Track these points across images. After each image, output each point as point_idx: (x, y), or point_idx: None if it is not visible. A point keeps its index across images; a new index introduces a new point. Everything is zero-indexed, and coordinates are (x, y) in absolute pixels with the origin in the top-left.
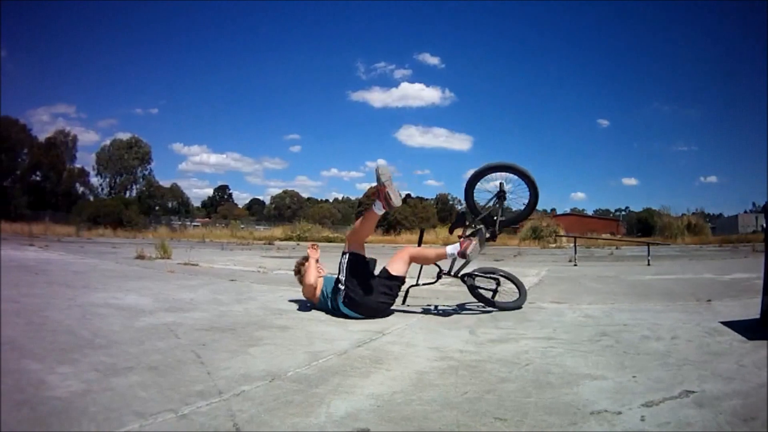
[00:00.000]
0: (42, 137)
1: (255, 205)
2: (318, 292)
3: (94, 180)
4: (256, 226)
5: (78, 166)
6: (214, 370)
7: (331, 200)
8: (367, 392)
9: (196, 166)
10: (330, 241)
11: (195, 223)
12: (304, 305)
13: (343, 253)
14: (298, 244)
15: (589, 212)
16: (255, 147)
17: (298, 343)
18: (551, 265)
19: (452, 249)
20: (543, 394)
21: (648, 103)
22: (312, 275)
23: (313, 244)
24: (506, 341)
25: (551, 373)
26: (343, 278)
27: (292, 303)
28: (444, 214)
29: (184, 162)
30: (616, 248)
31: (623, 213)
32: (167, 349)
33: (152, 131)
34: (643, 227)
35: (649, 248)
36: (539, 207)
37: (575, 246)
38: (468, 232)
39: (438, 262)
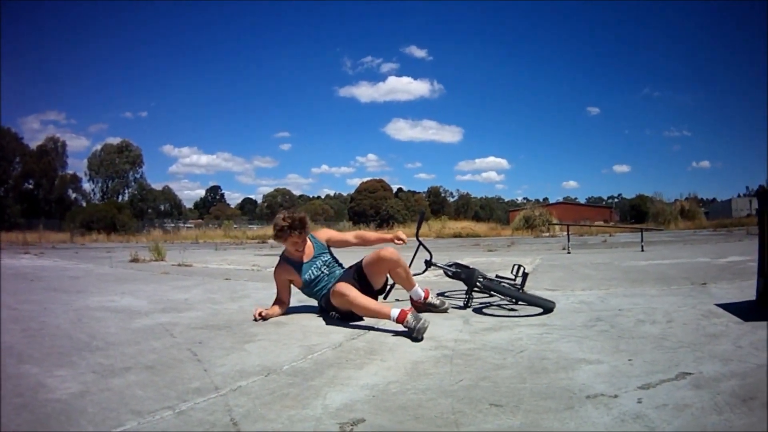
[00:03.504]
0: (33, 145)
1: (247, 205)
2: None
3: (87, 185)
4: (249, 225)
5: (70, 172)
6: (210, 366)
7: (323, 197)
8: (362, 383)
9: (187, 168)
10: None
11: (188, 225)
12: (299, 300)
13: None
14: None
15: (582, 200)
16: (245, 146)
17: (292, 337)
18: (545, 253)
19: (396, 310)
20: (538, 379)
21: (638, 90)
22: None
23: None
24: (500, 329)
25: (546, 358)
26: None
27: None
28: (436, 207)
29: (174, 164)
30: (610, 235)
31: (616, 200)
32: (163, 348)
33: (142, 134)
34: (636, 214)
35: (642, 234)
36: (532, 196)
37: (568, 234)
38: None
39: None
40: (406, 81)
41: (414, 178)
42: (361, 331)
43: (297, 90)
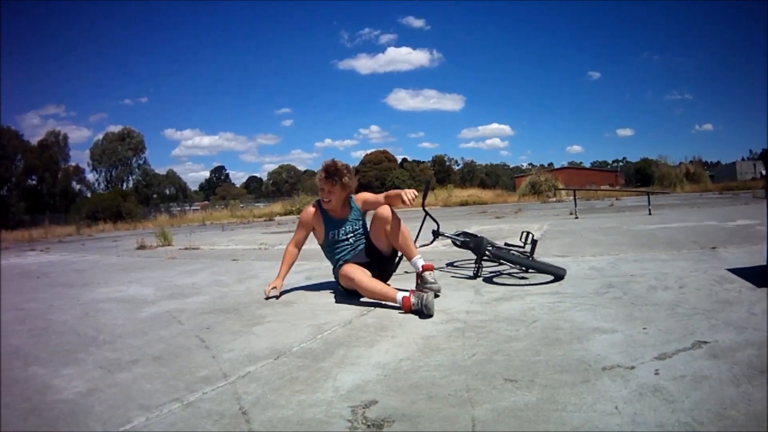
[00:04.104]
0: (34, 140)
1: (252, 183)
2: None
3: (90, 176)
4: (256, 204)
5: (72, 164)
6: (218, 353)
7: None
8: (373, 362)
9: (190, 150)
10: None
11: (194, 207)
12: (307, 278)
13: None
14: (298, 218)
15: (587, 165)
16: (247, 125)
17: (301, 317)
18: (552, 219)
19: (401, 294)
20: (553, 351)
21: (638, 53)
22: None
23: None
24: (512, 299)
25: (560, 329)
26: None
27: (295, 275)
28: (442, 175)
29: (177, 147)
30: (616, 199)
31: (621, 164)
32: (171, 337)
33: (143, 120)
34: (641, 177)
35: (649, 197)
36: (536, 162)
37: (575, 199)
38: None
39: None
40: (405, 51)
41: (418, 148)
42: (371, 308)
43: (296, 65)
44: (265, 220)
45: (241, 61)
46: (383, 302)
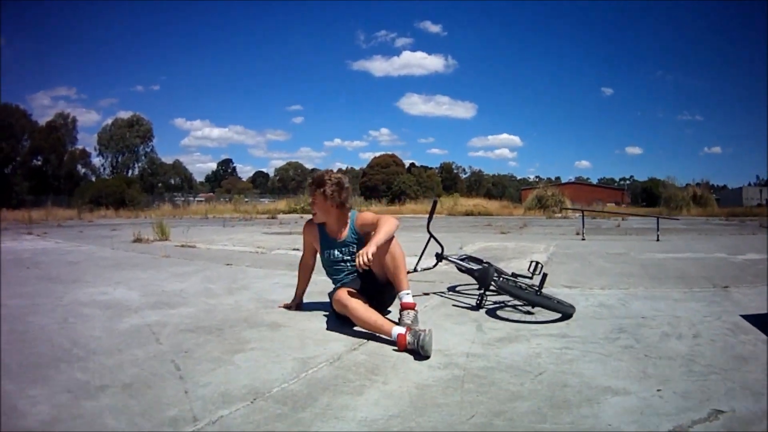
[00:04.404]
0: (42, 121)
1: (259, 178)
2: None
3: (96, 160)
4: (261, 199)
5: (79, 147)
6: (192, 387)
7: (335, 170)
8: (359, 416)
9: (199, 141)
10: None
11: (199, 199)
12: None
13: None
14: (301, 217)
15: (594, 181)
16: (258, 119)
17: (288, 345)
18: (559, 238)
19: (397, 330)
20: (560, 416)
21: (651, 72)
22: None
23: None
24: (516, 340)
25: (567, 386)
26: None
27: (287, 290)
28: (448, 183)
29: (186, 137)
30: (623, 219)
31: (628, 182)
32: (146, 358)
33: (154, 108)
34: (648, 197)
35: (658, 223)
36: (544, 175)
37: (583, 220)
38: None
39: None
40: (420, 56)
41: (426, 153)
42: (363, 340)
43: (310, 63)
44: (268, 218)
45: (254, 56)
46: (376, 335)
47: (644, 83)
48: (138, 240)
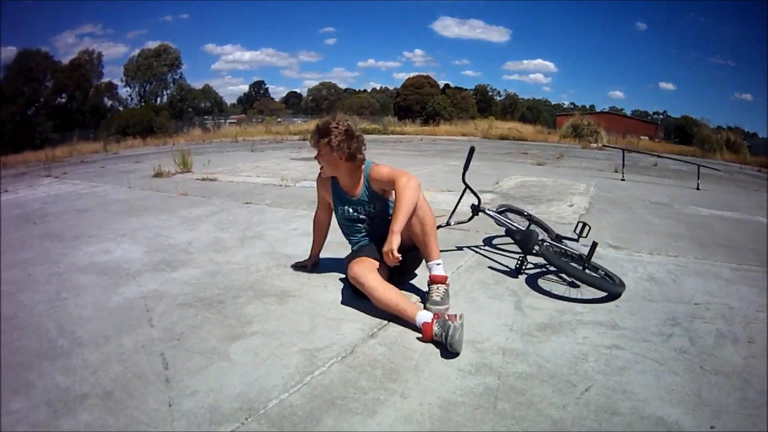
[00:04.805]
0: (66, 60)
1: (292, 98)
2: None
3: (123, 92)
4: (293, 119)
5: (105, 80)
6: (178, 396)
7: (369, 90)
8: None
9: (230, 65)
10: (367, 133)
11: (231, 121)
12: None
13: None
14: None
15: (628, 112)
16: (289, 42)
17: (295, 328)
18: (598, 176)
19: (422, 317)
20: None
21: (684, 13)
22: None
23: None
24: (560, 329)
25: (617, 413)
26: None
27: (305, 239)
28: (483, 105)
29: (217, 62)
30: (658, 157)
31: (661, 117)
32: (133, 350)
33: (183, 37)
34: (681, 134)
35: (699, 172)
36: (578, 102)
37: (623, 159)
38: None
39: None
40: None
41: (461, 75)
42: (383, 321)
43: None
44: (299, 139)
45: None
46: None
47: (677, 23)
48: (159, 174)
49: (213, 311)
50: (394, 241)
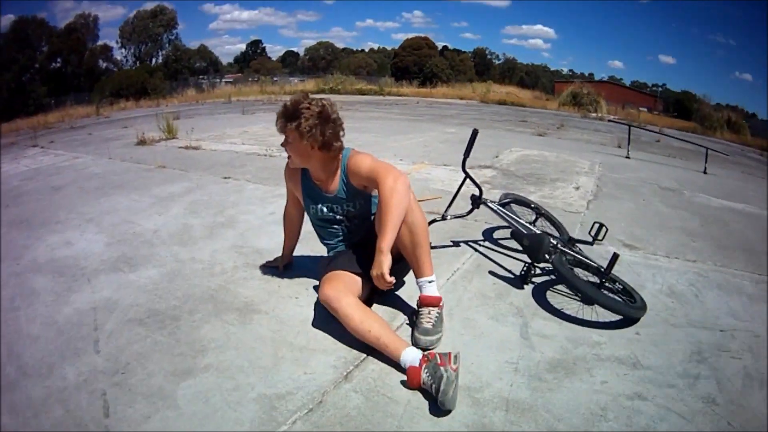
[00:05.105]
0: (62, 25)
1: (289, 57)
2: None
3: (118, 54)
4: (290, 79)
5: (100, 43)
6: None
7: (366, 50)
8: None
9: (228, 24)
10: (363, 94)
11: (227, 80)
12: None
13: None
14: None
15: (627, 83)
16: (288, 1)
17: (255, 363)
18: (602, 152)
19: (408, 358)
20: None
21: None
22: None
23: None
24: (574, 369)
25: None
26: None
27: (280, 228)
28: (481, 68)
29: (214, 21)
30: (660, 132)
31: (660, 89)
32: (75, 388)
33: None
34: (680, 109)
35: (707, 155)
36: (577, 69)
37: (629, 136)
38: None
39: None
40: None
41: (459, 38)
42: (361, 355)
43: None
44: None
45: None
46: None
47: None
48: (142, 142)
49: (165, 332)
50: (384, 263)
